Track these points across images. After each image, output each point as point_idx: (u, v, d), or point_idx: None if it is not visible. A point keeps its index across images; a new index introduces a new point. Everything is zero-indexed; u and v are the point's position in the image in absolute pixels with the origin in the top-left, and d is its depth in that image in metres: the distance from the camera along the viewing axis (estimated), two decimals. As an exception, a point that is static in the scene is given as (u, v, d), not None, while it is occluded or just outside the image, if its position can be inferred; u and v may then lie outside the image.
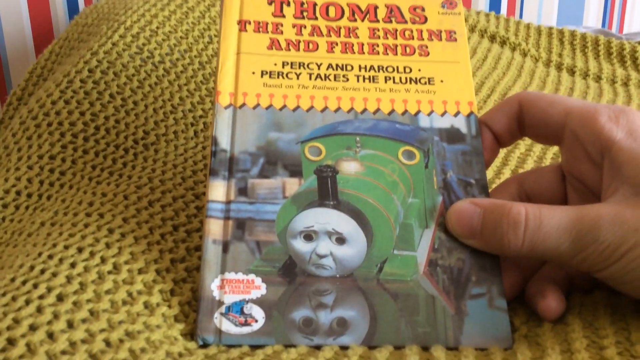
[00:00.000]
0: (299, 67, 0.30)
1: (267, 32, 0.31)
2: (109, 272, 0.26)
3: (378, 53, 0.32)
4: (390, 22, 0.33)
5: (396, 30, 0.33)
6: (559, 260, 0.25)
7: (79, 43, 0.56)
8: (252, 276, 0.25)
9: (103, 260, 0.27)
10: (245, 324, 0.24)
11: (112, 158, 0.40)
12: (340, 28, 0.32)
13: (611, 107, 0.27)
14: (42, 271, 0.26)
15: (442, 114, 0.30)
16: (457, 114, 0.31)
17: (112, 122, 0.43)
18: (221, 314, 0.24)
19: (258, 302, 0.25)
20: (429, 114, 0.30)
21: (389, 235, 0.27)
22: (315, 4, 0.33)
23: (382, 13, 0.33)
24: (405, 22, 0.33)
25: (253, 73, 0.30)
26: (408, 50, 0.32)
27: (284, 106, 0.29)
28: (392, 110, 0.30)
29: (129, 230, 0.30)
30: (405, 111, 0.30)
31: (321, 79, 0.30)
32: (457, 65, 0.32)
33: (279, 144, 0.28)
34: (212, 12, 0.55)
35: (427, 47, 0.33)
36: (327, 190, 0.28)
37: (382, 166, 0.29)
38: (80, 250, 0.27)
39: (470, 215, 0.27)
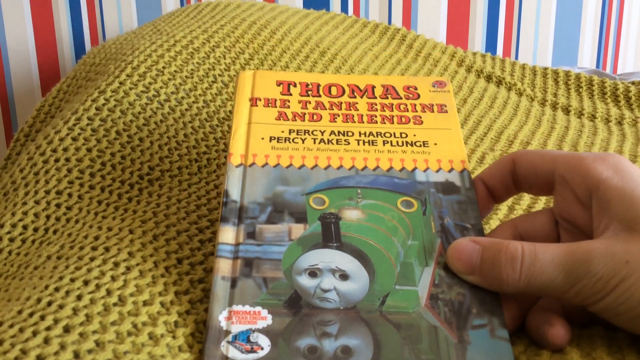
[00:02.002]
0: (304, 134, 0.34)
1: (276, 106, 0.36)
2: (115, 304, 0.26)
3: (376, 122, 0.35)
4: (387, 98, 0.37)
5: (392, 104, 0.37)
6: (555, 294, 0.26)
7: (86, 82, 0.58)
8: (258, 308, 0.26)
9: (109, 292, 0.27)
10: (252, 351, 0.25)
11: (117, 193, 0.41)
12: (341, 103, 0.37)
13: (597, 153, 0.29)
14: (49, 303, 0.27)
15: (437, 170, 0.33)
16: (451, 170, 0.34)
17: (118, 159, 0.44)
18: (228, 342, 0.25)
19: (264, 331, 0.26)
20: (425, 170, 0.33)
21: (391, 272, 0.29)
22: (319, 85, 0.37)
23: (379, 91, 0.38)
24: (400, 98, 0.37)
25: (262, 138, 0.33)
26: (403, 119, 0.36)
27: (290, 165, 0.32)
28: (391, 168, 0.33)
29: (134, 263, 0.30)
30: (403, 168, 0.33)
31: (324, 143, 0.34)
32: (449, 131, 0.36)
33: (286, 195, 0.31)
34: (217, 53, 0.57)
35: (420, 117, 0.36)
36: (330, 233, 0.30)
37: (382, 213, 0.31)
38: (86, 283, 0.28)
39: (469, 252, 0.28)
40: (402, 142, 0.35)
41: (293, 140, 0.33)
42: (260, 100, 0.36)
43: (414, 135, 0.35)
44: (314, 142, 0.34)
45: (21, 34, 0.82)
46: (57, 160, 0.43)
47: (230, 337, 0.25)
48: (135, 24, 0.90)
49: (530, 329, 0.29)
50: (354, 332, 0.26)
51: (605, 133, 0.65)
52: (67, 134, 0.45)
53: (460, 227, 0.31)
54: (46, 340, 0.24)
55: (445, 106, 0.37)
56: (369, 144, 0.34)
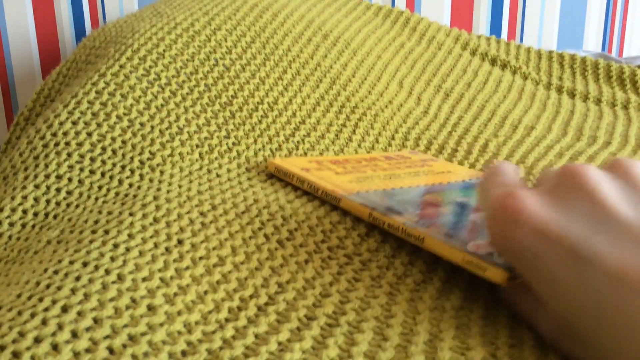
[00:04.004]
0: (369, 178, 0.41)
1: (326, 170, 0.42)
2: (113, 282, 0.26)
3: (404, 169, 0.44)
4: (390, 160, 0.46)
5: (400, 162, 0.46)
6: None
7: (86, 65, 0.57)
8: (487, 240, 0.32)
9: (107, 272, 0.27)
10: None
11: (118, 179, 0.41)
12: (366, 165, 0.45)
13: None
14: (48, 286, 0.26)
15: (478, 178, 0.44)
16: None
17: (118, 143, 0.43)
18: (497, 257, 0.29)
19: None
20: (470, 180, 0.43)
21: None
22: (337, 160, 0.45)
23: (381, 158, 0.47)
24: (398, 159, 0.47)
25: (343, 182, 0.40)
26: (419, 164, 0.46)
27: (384, 189, 0.39)
28: (449, 182, 0.42)
29: (133, 245, 0.30)
30: (455, 181, 0.42)
31: (389, 180, 0.41)
32: (452, 165, 0.47)
33: (408, 198, 0.38)
34: (218, 36, 0.56)
35: (427, 163, 0.46)
36: (467, 205, 0.37)
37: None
38: (85, 264, 0.28)
39: None
40: (436, 172, 0.44)
41: (366, 180, 0.40)
42: (310, 169, 0.42)
43: (438, 169, 0.45)
44: (383, 179, 0.41)
45: (21, 17, 0.81)
46: (56, 145, 0.42)
47: (495, 255, 0.29)
48: (135, 7, 0.90)
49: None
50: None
51: (610, 117, 0.64)
52: (67, 118, 0.44)
53: None
54: (44, 322, 0.23)
55: (433, 158, 0.48)
56: (416, 176, 0.42)
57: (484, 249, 0.29)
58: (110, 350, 0.23)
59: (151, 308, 0.26)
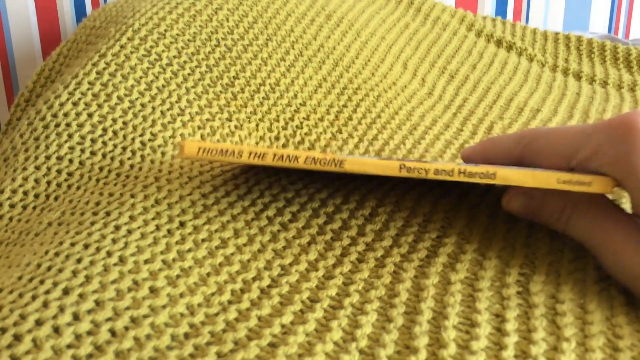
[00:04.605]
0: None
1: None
2: (115, 265, 0.26)
3: None
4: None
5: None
6: None
7: (86, 45, 0.56)
8: None
9: (109, 254, 0.27)
10: None
11: (119, 160, 0.40)
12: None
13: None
14: (49, 268, 0.26)
15: None
16: None
17: (119, 124, 0.43)
18: None
19: None
20: None
21: None
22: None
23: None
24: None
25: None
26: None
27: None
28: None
29: (135, 227, 0.30)
30: None
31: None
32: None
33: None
34: (220, 15, 0.56)
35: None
36: None
37: None
38: (86, 246, 0.27)
39: None
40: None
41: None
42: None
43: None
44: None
45: (21, -1, 0.80)
46: (57, 126, 0.42)
47: None
48: (137, -11, 0.88)
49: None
50: None
51: (617, 99, 0.63)
52: (68, 99, 0.44)
53: None
54: (45, 304, 0.23)
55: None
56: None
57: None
58: (113, 332, 0.23)
59: (153, 290, 0.25)
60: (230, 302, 0.26)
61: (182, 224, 0.31)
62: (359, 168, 0.27)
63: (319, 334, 0.24)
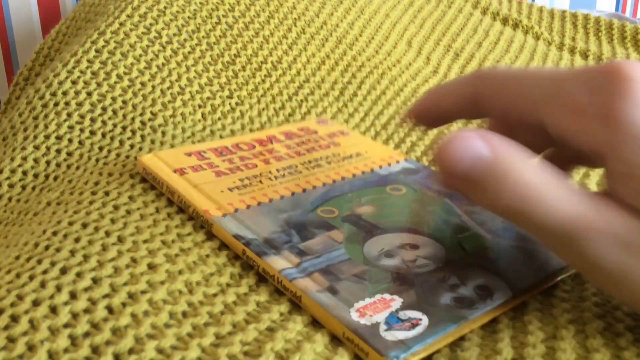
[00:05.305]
0: (257, 178, 0.32)
1: (205, 169, 0.33)
2: (113, 244, 0.26)
3: (304, 154, 0.35)
4: (292, 139, 0.37)
5: (302, 142, 0.37)
6: None
7: (86, 23, 0.56)
8: (378, 296, 0.24)
9: (107, 234, 0.26)
10: (414, 325, 0.23)
11: (119, 140, 0.40)
12: (260, 152, 0.35)
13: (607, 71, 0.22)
14: (47, 247, 0.26)
15: (389, 165, 0.35)
16: (397, 162, 0.35)
17: (119, 103, 0.42)
18: (385, 330, 0.22)
19: (404, 308, 0.24)
20: (381, 168, 0.34)
21: (444, 227, 0.29)
22: (226, 146, 0.36)
23: (282, 137, 0.38)
24: (302, 136, 0.38)
25: (222, 191, 0.31)
26: (323, 146, 0.37)
27: (271, 200, 0.30)
28: (354, 175, 0.33)
29: (135, 207, 0.29)
30: (364, 172, 0.34)
31: (282, 177, 0.32)
32: (366, 142, 0.38)
33: (294, 218, 0.29)
34: (220, -7, 0.55)
35: (334, 141, 0.37)
36: (367, 226, 0.29)
37: (385, 198, 0.31)
38: (84, 226, 0.27)
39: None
40: (342, 158, 0.35)
41: (252, 184, 0.31)
42: (185, 169, 0.32)
43: (345, 152, 0.36)
44: (272, 180, 0.32)
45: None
46: (56, 105, 0.41)
47: (384, 326, 0.23)
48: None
49: None
50: (473, 273, 0.26)
51: (625, 78, 0.62)
52: (67, 77, 0.43)
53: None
54: (42, 284, 0.23)
55: (343, 130, 0.39)
56: (318, 167, 0.34)
57: (375, 310, 0.23)
58: (110, 309, 0.22)
59: (152, 267, 0.25)
60: (228, 285, 0.26)
61: (181, 209, 0.31)
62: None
63: (312, 324, 0.24)
